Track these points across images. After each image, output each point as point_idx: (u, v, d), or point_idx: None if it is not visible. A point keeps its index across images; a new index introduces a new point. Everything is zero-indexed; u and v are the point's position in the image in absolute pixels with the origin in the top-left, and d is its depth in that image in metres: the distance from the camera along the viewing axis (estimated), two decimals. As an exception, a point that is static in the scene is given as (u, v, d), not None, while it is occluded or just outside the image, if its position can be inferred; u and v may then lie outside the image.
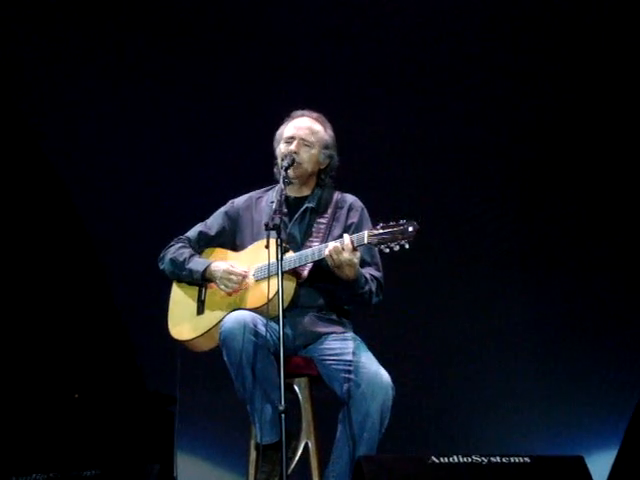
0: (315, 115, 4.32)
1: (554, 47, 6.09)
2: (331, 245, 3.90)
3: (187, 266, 4.23)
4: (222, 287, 4.13)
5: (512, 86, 6.21)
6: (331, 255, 3.89)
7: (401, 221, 3.85)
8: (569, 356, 6.09)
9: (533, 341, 6.15)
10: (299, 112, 4.34)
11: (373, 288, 4.09)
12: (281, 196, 3.98)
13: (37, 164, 6.53)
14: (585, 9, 6.01)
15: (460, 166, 6.29)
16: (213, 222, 4.37)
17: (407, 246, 3.82)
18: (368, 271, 4.11)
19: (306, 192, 4.30)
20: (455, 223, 6.16)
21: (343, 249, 3.88)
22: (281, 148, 4.24)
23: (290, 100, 4.46)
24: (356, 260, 3.92)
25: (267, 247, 3.81)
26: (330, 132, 4.31)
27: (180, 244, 4.33)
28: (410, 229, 3.82)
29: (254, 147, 4.48)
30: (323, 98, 5.77)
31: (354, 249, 3.90)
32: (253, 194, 4.41)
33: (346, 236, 3.92)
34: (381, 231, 3.86)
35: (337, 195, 4.32)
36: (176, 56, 6.41)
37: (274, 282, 3.81)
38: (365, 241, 3.89)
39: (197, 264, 4.23)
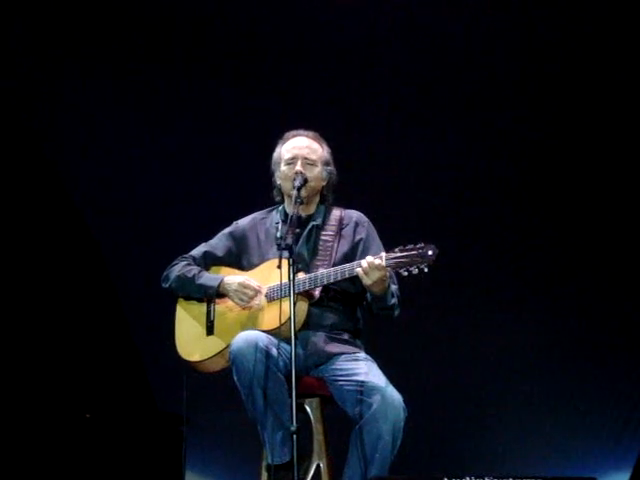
0: (311, 134, 4.34)
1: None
2: (364, 264, 3.90)
3: (198, 282, 4.23)
4: (236, 300, 4.13)
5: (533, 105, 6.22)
6: (366, 274, 3.89)
7: (419, 245, 3.85)
8: (583, 377, 6.05)
9: (547, 362, 6.12)
10: (293, 132, 4.36)
11: (396, 302, 4.11)
12: (292, 216, 3.99)
13: (49, 182, 6.56)
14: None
15: (473, 185, 6.28)
16: (218, 243, 4.37)
17: (426, 270, 3.82)
18: None
19: (310, 210, 4.31)
20: (467, 243, 6.14)
21: (377, 268, 3.88)
22: (284, 170, 4.25)
23: (297, 120, 4.47)
24: (386, 277, 3.93)
25: (279, 267, 3.81)
26: (327, 148, 4.34)
27: (184, 262, 4.33)
28: (429, 253, 3.83)
29: (260, 167, 4.48)
30: (328, 117, 5.84)
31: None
32: (256, 215, 4.42)
33: (381, 256, 3.90)
34: (399, 254, 3.87)
35: (340, 212, 4.33)
36: (187, 75, 6.43)
37: (287, 304, 3.81)
38: (383, 264, 3.88)
39: (209, 279, 4.23)
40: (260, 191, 4.46)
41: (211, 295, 4.21)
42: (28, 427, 5.61)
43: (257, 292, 4.11)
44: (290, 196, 4.16)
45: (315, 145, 4.29)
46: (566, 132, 6.19)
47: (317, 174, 4.25)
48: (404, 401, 3.89)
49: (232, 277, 4.19)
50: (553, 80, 6.14)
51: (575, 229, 6.17)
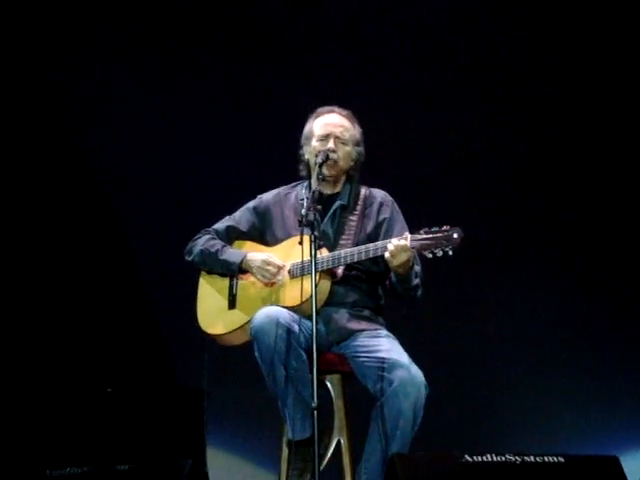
0: (344, 112, 4.32)
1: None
2: (391, 247, 3.89)
3: (221, 257, 4.24)
4: (259, 277, 4.13)
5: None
6: (393, 256, 3.89)
7: (445, 227, 3.84)
8: (603, 355, 6.04)
9: (567, 340, 6.10)
10: (327, 108, 4.34)
11: (419, 282, 4.11)
12: (314, 192, 3.98)
13: (72, 162, 6.57)
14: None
15: (495, 167, 6.26)
16: (242, 217, 4.36)
17: (451, 253, 3.81)
18: None
19: (337, 189, 4.30)
20: (489, 224, 6.12)
21: (403, 250, 3.88)
22: (315, 146, 4.23)
23: (318, 95, 4.46)
24: (412, 258, 3.93)
25: (301, 243, 3.82)
26: (358, 128, 4.31)
27: (208, 236, 4.33)
28: (455, 236, 3.82)
29: (282, 142, 4.47)
30: (351, 92, 5.81)
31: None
32: (281, 190, 4.41)
33: (406, 239, 3.89)
34: (424, 236, 3.85)
35: (365, 190, 4.32)
36: (208, 48, 6.42)
37: (309, 281, 3.80)
38: (408, 245, 3.87)
39: (232, 255, 4.23)
40: (283, 164, 4.45)
41: (233, 271, 4.21)
42: (52, 402, 5.65)
43: (280, 269, 4.11)
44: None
45: (348, 124, 4.27)
46: (595, 114, 6.15)
47: (347, 153, 4.24)
48: (425, 378, 3.88)
49: (255, 254, 4.19)
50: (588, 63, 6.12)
51: (602, 210, 6.13)
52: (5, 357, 5.96)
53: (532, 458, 3.59)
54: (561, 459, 3.60)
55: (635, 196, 6.09)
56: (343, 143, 4.22)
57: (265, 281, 4.13)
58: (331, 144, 4.19)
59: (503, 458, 3.58)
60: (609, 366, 6.03)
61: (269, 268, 4.11)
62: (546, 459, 3.59)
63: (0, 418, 5.61)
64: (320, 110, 4.34)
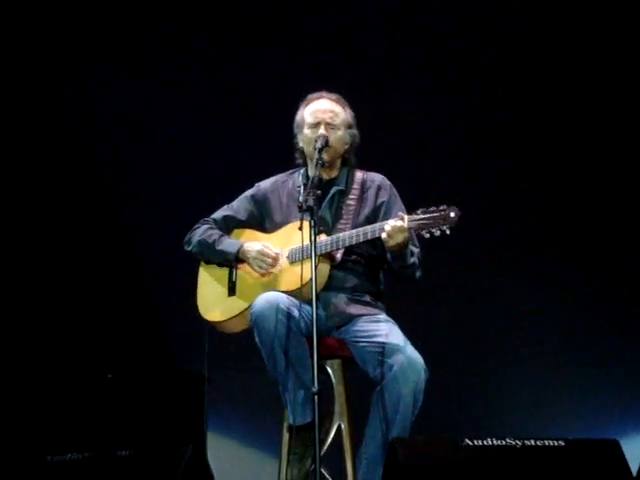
0: (334, 96, 4.30)
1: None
2: (388, 228, 3.88)
3: (218, 247, 4.23)
4: (256, 268, 4.13)
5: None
6: (390, 236, 3.88)
7: (442, 206, 3.83)
8: (604, 338, 6.05)
9: (568, 324, 6.11)
10: (316, 94, 4.32)
11: (417, 262, 4.10)
12: (314, 177, 3.97)
13: (75, 157, 6.58)
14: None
15: (494, 152, 6.25)
16: (240, 206, 4.36)
17: (448, 232, 3.81)
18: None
19: (333, 174, 4.29)
20: (488, 208, 6.12)
21: (400, 231, 3.87)
22: (307, 134, 4.22)
23: (314, 82, 4.45)
24: (409, 239, 3.94)
25: (300, 229, 3.81)
26: (349, 111, 4.29)
27: (207, 226, 4.33)
28: (452, 215, 3.80)
29: (280, 131, 4.46)
30: (348, 78, 5.80)
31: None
32: (279, 177, 4.40)
33: (403, 219, 3.88)
34: (421, 216, 3.85)
35: (363, 174, 4.31)
36: (207, 36, 6.42)
37: (309, 265, 3.80)
38: (405, 226, 3.87)
39: (229, 245, 4.23)
40: (282, 153, 4.44)
41: (230, 261, 4.21)
42: (52, 388, 5.66)
43: (276, 259, 4.11)
44: (312, 159, 4.13)
45: (338, 108, 4.25)
46: (596, 101, 6.14)
47: (340, 138, 4.22)
48: (425, 362, 3.89)
49: (251, 244, 4.18)
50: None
51: (603, 198, 6.13)
52: (6, 343, 5.96)
53: (533, 442, 3.58)
54: (561, 443, 3.59)
55: (636, 186, 6.09)
56: (334, 128, 4.20)
57: (261, 272, 4.13)
58: (322, 131, 4.17)
59: (504, 442, 3.57)
60: (610, 349, 6.04)
61: (264, 258, 4.11)
62: (547, 443, 3.58)
63: (0, 404, 5.61)
64: (310, 97, 4.32)
